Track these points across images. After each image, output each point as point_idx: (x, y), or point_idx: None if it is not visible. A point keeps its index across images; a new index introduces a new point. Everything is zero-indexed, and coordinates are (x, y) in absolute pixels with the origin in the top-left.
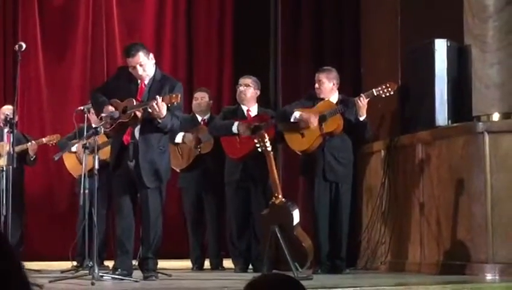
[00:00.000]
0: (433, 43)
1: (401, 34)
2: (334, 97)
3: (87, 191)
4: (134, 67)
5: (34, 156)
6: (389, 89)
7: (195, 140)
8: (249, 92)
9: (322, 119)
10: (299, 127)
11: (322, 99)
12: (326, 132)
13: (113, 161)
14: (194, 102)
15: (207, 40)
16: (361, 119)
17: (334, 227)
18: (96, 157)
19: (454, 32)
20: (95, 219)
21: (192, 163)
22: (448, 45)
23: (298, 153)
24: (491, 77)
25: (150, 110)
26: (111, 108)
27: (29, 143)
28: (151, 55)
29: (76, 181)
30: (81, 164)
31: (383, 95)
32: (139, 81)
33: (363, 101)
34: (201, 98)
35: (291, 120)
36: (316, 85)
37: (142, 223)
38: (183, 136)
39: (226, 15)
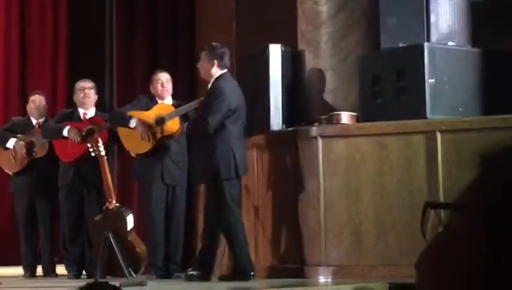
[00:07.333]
0: (267, 49)
1: (236, 39)
2: (169, 100)
3: None
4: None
5: None
6: None
7: (26, 147)
8: (170, 84)
9: (160, 121)
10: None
11: (156, 102)
12: (166, 134)
13: None
14: (30, 105)
15: (41, 42)
16: None
17: (169, 232)
18: None
19: (288, 38)
20: None
21: (26, 167)
22: (283, 50)
23: (133, 155)
24: (324, 82)
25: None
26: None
27: None
28: None
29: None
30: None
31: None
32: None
33: None
34: (39, 100)
35: (130, 126)
36: (166, 84)
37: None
38: (15, 142)
39: (60, 18)
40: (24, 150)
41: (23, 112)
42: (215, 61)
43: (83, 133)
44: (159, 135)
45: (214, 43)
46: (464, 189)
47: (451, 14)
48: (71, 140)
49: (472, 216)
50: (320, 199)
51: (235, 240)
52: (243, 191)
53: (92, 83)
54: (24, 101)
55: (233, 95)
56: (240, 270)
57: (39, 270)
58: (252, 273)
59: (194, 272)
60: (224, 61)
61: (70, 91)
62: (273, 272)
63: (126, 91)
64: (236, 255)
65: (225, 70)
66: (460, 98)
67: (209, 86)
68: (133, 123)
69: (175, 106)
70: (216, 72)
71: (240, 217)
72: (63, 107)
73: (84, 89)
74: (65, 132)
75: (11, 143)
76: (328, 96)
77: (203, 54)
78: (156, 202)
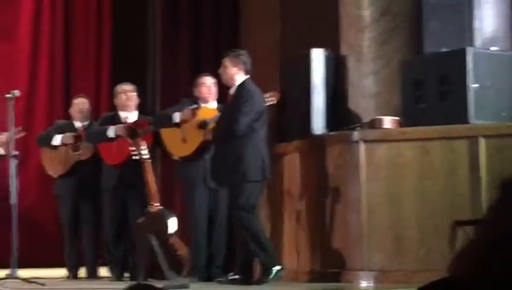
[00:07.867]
0: (310, 53)
1: (280, 43)
2: (213, 104)
3: None
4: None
5: None
6: (273, 98)
7: (74, 139)
8: (215, 88)
9: (203, 125)
10: (179, 132)
11: (199, 106)
12: (209, 138)
13: None
14: (74, 108)
15: (85, 45)
16: None
17: (212, 235)
18: None
19: (331, 42)
20: None
21: (70, 169)
22: (326, 54)
23: (177, 158)
24: (367, 86)
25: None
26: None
27: None
28: None
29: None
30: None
31: (266, 104)
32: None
33: None
34: (82, 104)
35: (176, 121)
36: (212, 88)
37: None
38: (62, 138)
39: (104, 22)
40: (71, 140)
41: (67, 116)
42: (240, 67)
43: (129, 129)
44: (201, 138)
45: (237, 50)
46: (487, 208)
47: (495, 19)
48: (117, 141)
49: (490, 230)
50: (362, 203)
51: (258, 241)
52: (284, 195)
53: (133, 86)
54: (68, 105)
55: (260, 99)
56: (267, 270)
57: (82, 272)
58: (280, 267)
59: (235, 276)
60: (248, 67)
61: (112, 95)
62: (314, 276)
63: (169, 94)
64: (262, 255)
65: (248, 75)
66: (504, 103)
67: (234, 90)
68: (176, 118)
69: (219, 109)
70: (240, 77)
71: (258, 218)
72: (106, 111)
73: (125, 91)
74: (110, 133)
75: (58, 140)
76: (371, 101)
77: (227, 60)
78: (198, 204)
